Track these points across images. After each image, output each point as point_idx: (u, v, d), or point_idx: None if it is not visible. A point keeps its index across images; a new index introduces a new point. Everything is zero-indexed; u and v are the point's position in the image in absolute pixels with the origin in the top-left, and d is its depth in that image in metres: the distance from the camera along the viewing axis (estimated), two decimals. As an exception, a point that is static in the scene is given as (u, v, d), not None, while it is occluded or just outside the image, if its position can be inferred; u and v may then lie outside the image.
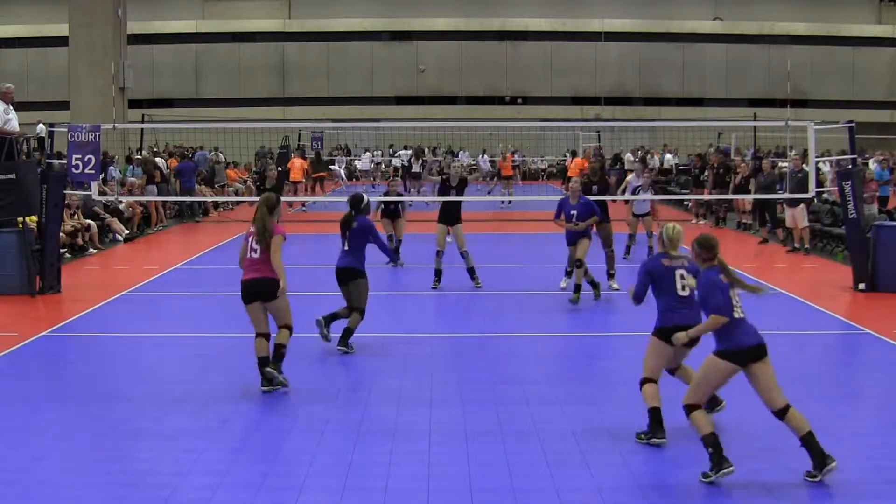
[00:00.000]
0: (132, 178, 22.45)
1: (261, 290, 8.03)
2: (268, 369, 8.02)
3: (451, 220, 13.29)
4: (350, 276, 9.57)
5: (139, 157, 24.43)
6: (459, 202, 13.57)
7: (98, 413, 7.66)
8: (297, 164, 27.14)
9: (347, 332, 9.50)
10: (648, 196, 16.23)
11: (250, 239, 8.12)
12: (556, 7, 47.80)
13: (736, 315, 6.13)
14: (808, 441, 6.09)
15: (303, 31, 47.64)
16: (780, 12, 47.62)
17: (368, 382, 8.47)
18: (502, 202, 27.90)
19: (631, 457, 6.48)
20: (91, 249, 17.35)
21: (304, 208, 26.84)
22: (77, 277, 14.37)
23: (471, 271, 13.25)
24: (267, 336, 8.14)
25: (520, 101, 47.27)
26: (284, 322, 8.23)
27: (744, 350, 6.07)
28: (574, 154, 29.16)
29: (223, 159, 30.52)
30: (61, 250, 14.56)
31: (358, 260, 9.62)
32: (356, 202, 9.80)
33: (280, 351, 8.16)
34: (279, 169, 31.10)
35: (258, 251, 8.04)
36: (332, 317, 9.65)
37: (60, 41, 34.55)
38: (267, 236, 7.99)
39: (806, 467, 6.13)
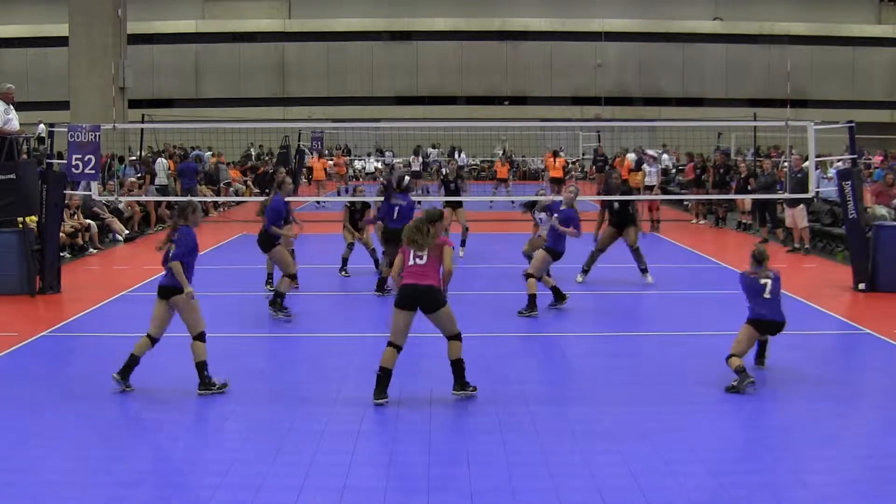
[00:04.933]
0: (132, 179, 22.42)
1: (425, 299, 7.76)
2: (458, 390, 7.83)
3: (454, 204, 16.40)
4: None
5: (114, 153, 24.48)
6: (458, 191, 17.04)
7: (98, 412, 7.66)
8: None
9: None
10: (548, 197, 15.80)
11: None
12: (556, 7, 47.81)
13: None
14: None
15: (303, 31, 47.65)
16: (780, 12, 47.63)
17: (368, 382, 8.45)
18: (492, 203, 27.96)
19: (631, 456, 6.48)
20: (91, 249, 17.35)
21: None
22: (77, 277, 14.36)
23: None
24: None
25: (506, 102, 47.31)
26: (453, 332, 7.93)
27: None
28: (556, 154, 28.66)
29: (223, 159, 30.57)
30: (61, 250, 14.55)
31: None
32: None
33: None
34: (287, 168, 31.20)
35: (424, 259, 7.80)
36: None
37: (60, 41, 34.56)
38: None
39: (805, 467, 6.08)
